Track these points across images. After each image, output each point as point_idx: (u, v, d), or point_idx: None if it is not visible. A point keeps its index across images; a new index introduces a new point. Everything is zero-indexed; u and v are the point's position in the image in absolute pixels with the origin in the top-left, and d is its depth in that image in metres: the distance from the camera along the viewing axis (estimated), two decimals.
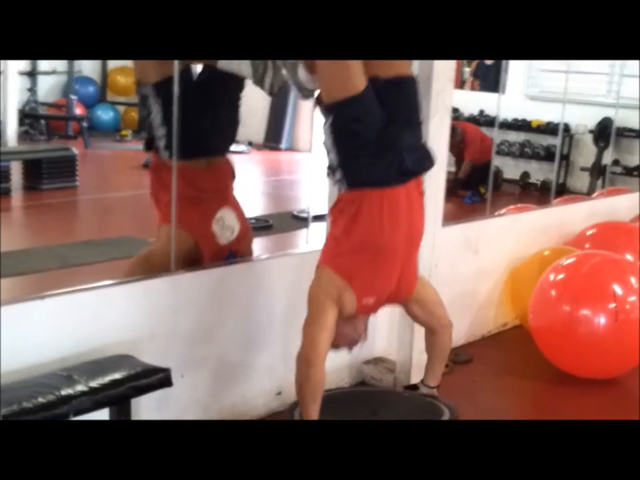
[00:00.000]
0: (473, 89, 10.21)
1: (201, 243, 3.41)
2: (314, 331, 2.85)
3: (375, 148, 2.79)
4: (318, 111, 2.92)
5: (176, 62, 3.21)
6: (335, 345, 2.98)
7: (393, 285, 2.97)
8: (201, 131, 3.37)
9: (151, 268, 3.27)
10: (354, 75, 2.74)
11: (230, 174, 3.61)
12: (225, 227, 3.45)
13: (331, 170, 2.91)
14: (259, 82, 3.19)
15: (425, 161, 2.98)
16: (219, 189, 3.51)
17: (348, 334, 3.00)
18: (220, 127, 3.48)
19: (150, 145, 3.46)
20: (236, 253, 3.51)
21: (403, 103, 2.87)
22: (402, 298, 3.08)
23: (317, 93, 3.00)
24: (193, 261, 3.41)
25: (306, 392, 2.85)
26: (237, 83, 3.49)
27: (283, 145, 11.71)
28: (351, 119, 2.77)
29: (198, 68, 3.56)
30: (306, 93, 3.09)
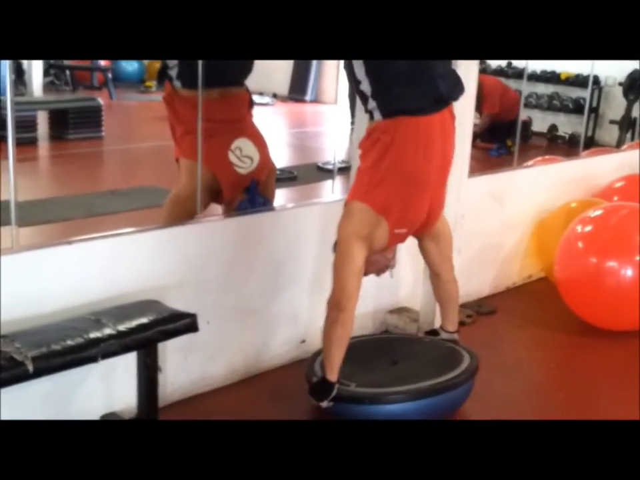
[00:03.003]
0: None
1: (218, 174, 3.38)
2: (344, 275, 2.86)
3: (408, 76, 2.78)
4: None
5: None
6: (365, 273, 2.98)
7: (425, 213, 2.98)
8: (213, 61, 3.25)
9: (181, 208, 3.28)
10: None
11: (246, 104, 3.54)
12: (243, 156, 3.41)
13: (364, 100, 2.89)
14: None
15: (457, 87, 2.97)
16: (234, 120, 3.45)
17: (378, 261, 3.02)
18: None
19: (163, 75, 3.41)
20: (258, 182, 3.48)
21: None
22: (428, 227, 3.09)
23: None
24: (214, 193, 3.40)
25: (333, 337, 2.88)
26: None
27: (308, 97, 11.62)
28: None
29: None
30: None
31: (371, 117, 2.90)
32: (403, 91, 2.80)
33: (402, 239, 3.06)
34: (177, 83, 3.36)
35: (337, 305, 2.87)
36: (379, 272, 3.14)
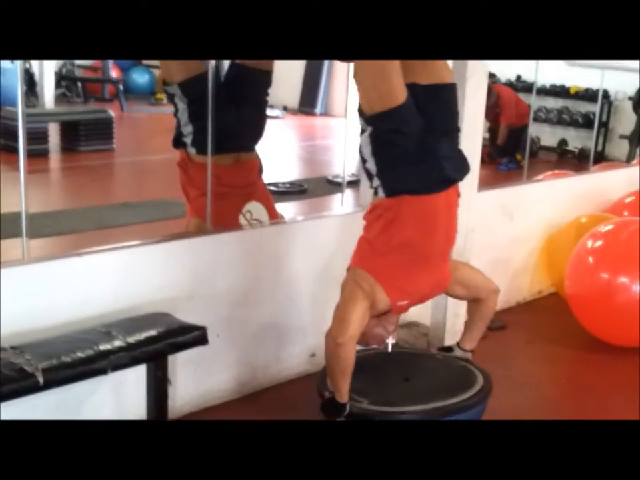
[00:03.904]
0: None
1: None
2: (344, 313, 2.83)
3: (414, 157, 2.79)
4: (357, 117, 2.89)
5: (212, 61, 3.27)
6: (366, 343, 3.03)
7: (427, 287, 2.98)
8: (227, 128, 3.40)
9: None
10: (395, 86, 2.72)
11: (257, 169, 3.66)
12: (253, 219, 3.52)
13: (369, 177, 2.91)
14: None
15: (463, 167, 2.98)
16: (246, 185, 3.57)
17: (379, 335, 3.04)
18: (246, 124, 3.53)
19: (178, 142, 3.52)
20: None
21: (441, 110, 2.85)
22: (436, 295, 3.12)
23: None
24: None
25: (336, 369, 2.86)
26: (263, 80, 3.54)
27: (318, 110, 11.66)
28: (390, 130, 2.76)
29: (225, 65, 3.58)
30: None
31: (375, 193, 2.92)
32: (407, 172, 2.81)
33: (405, 309, 3.05)
34: (192, 150, 3.48)
35: (335, 341, 2.83)
36: (380, 343, 3.13)
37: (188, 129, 3.44)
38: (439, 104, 2.84)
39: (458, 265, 3.16)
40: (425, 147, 2.80)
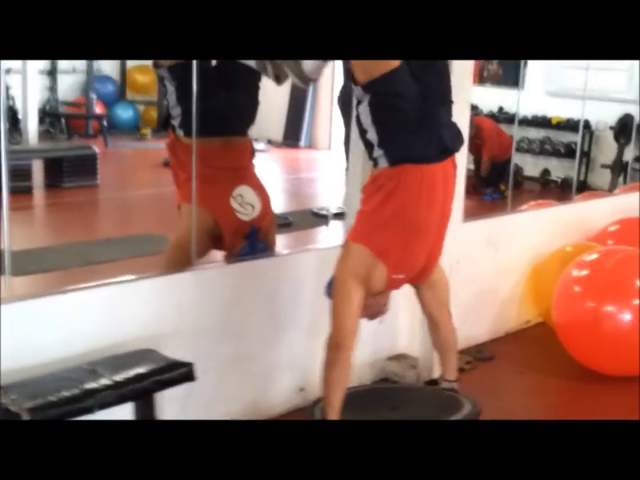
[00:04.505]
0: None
1: (219, 220, 3.44)
2: (342, 315, 2.86)
3: (414, 124, 2.83)
4: (355, 93, 2.88)
5: None
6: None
7: (423, 260, 2.99)
8: (216, 111, 3.40)
9: (182, 252, 3.33)
10: None
11: (249, 153, 3.64)
12: (245, 203, 3.48)
13: (369, 148, 2.93)
14: (263, 70, 3.20)
15: (459, 138, 3.03)
16: (237, 168, 3.54)
17: (370, 306, 3.01)
18: (236, 108, 3.52)
19: (166, 124, 3.54)
20: (259, 229, 3.53)
21: (436, 80, 2.90)
22: (426, 275, 3.10)
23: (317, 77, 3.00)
24: (215, 239, 3.46)
25: (332, 377, 2.86)
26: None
27: (302, 143, 11.70)
28: (390, 94, 2.80)
29: None
30: (306, 81, 3.10)
31: (375, 164, 2.93)
32: (409, 140, 2.84)
33: (398, 285, 3.06)
34: (180, 132, 3.47)
35: (336, 345, 2.87)
36: (370, 317, 3.13)
37: (176, 111, 3.44)
38: (434, 74, 2.89)
39: (441, 271, 3.21)
40: (424, 114, 2.84)
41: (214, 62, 3.55)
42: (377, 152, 2.88)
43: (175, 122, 3.47)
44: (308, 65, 2.96)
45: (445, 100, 2.97)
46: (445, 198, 2.96)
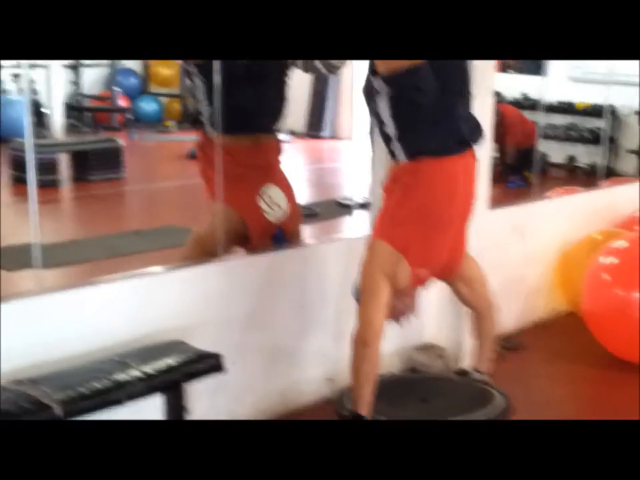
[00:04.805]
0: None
1: (247, 219, 3.42)
2: (369, 311, 2.85)
3: (433, 117, 2.82)
4: (375, 84, 2.86)
5: None
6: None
7: (445, 256, 2.98)
8: (245, 109, 3.38)
9: (200, 247, 3.32)
10: None
11: (277, 152, 3.60)
12: (272, 203, 3.45)
13: (387, 141, 2.92)
14: (292, 62, 3.19)
15: (478, 130, 3.02)
16: (264, 166, 3.50)
17: (397, 307, 3.00)
18: (265, 105, 3.49)
19: (196, 121, 3.52)
20: (285, 231, 3.50)
21: (455, 72, 2.89)
22: (451, 271, 3.08)
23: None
24: (241, 237, 3.42)
25: (361, 373, 2.86)
26: (283, 61, 3.47)
27: (325, 133, 11.68)
28: (411, 88, 2.79)
29: None
30: (332, 70, 3.09)
31: (393, 157, 2.91)
32: (427, 132, 2.83)
33: (423, 281, 3.04)
34: (210, 130, 3.43)
35: (363, 341, 2.86)
36: (398, 318, 3.12)
37: (205, 109, 3.41)
38: (454, 67, 2.88)
39: (472, 260, 3.18)
40: (443, 107, 2.83)
41: None
42: (395, 145, 2.88)
43: (205, 120, 3.43)
44: None
45: (464, 92, 2.95)
46: (465, 191, 2.94)
